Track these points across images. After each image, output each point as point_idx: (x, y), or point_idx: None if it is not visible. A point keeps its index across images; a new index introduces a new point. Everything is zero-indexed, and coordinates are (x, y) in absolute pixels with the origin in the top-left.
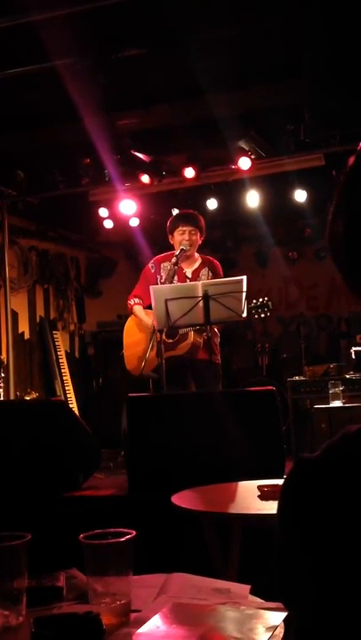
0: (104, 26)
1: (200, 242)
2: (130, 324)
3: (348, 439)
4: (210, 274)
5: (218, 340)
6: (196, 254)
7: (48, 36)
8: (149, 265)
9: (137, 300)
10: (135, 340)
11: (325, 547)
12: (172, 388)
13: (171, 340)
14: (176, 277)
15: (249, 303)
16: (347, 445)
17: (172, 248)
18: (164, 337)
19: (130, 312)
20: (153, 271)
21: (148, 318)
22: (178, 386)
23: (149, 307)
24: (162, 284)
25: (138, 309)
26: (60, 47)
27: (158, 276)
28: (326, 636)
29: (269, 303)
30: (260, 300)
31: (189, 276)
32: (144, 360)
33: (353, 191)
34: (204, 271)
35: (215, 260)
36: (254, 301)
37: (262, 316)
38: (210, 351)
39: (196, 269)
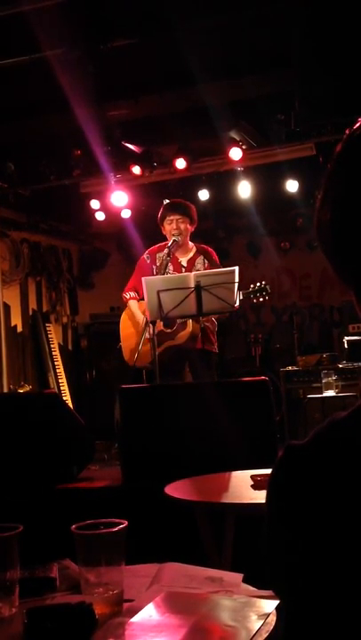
0: (93, 16)
1: (191, 230)
2: (125, 317)
3: (336, 426)
4: (205, 262)
5: (215, 329)
6: (190, 243)
7: (37, 26)
8: (144, 256)
9: (132, 294)
10: (131, 332)
11: (314, 533)
12: (167, 379)
13: (169, 330)
14: (171, 267)
15: (246, 289)
16: (334, 432)
17: (165, 239)
18: (162, 327)
19: (125, 305)
20: (148, 262)
21: (141, 315)
22: (174, 376)
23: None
24: (157, 274)
25: (133, 304)
26: (49, 38)
27: (154, 267)
28: (316, 624)
29: (267, 287)
30: (258, 284)
31: (185, 265)
32: (137, 352)
33: (340, 178)
34: (200, 260)
35: (210, 248)
36: (252, 286)
37: (260, 300)
38: (207, 340)
39: (191, 258)
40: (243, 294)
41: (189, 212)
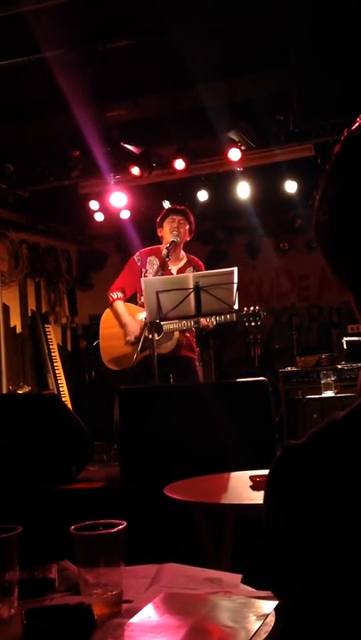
0: (93, 16)
1: (187, 239)
2: (108, 316)
3: (334, 426)
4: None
5: (194, 339)
6: (182, 252)
7: (37, 27)
8: (135, 257)
9: (119, 295)
10: (113, 332)
11: (312, 533)
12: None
13: (156, 338)
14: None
15: (240, 310)
16: (332, 432)
17: (161, 242)
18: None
19: (110, 305)
20: (139, 264)
21: (128, 317)
22: (163, 381)
23: (130, 300)
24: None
25: (119, 306)
26: (48, 38)
27: (144, 269)
28: (315, 624)
29: (261, 312)
30: (252, 308)
31: (174, 273)
32: (135, 353)
33: (338, 179)
34: (190, 270)
35: (200, 261)
36: (245, 309)
37: (253, 324)
38: (189, 348)
39: (181, 267)
40: (236, 317)
41: (190, 218)
